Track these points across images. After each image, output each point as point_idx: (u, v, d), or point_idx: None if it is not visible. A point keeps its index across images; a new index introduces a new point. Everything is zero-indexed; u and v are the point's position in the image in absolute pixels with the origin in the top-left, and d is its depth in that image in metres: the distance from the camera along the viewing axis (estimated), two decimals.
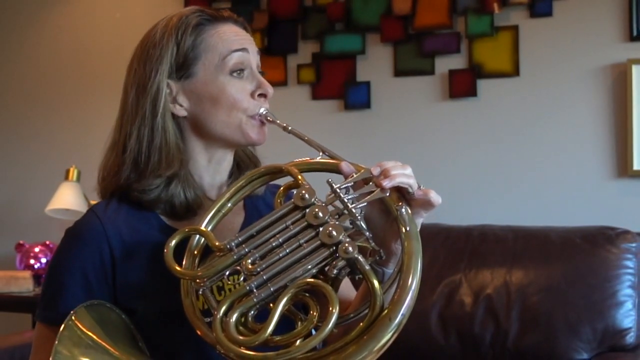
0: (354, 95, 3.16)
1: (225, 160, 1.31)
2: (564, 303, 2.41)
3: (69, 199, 3.26)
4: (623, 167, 2.81)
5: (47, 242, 3.31)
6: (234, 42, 1.26)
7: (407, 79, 3.10)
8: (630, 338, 2.39)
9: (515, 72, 2.95)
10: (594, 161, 2.86)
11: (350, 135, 3.15)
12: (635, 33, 2.79)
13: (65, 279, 1.20)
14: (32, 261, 3.25)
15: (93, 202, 3.27)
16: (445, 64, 3.04)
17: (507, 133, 2.97)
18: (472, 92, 2.99)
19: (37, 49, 3.73)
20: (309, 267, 1.06)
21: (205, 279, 1.10)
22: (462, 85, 3.00)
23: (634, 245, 2.47)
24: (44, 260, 3.26)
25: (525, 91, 2.95)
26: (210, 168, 1.29)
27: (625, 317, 2.40)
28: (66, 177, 3.31)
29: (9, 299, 3.10)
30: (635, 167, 2.77)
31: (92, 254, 1.20)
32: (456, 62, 3.03)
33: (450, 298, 2.52)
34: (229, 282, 1.20)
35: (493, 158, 2.99)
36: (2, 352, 2.33)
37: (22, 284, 3.13)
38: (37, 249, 3.27)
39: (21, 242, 3.31)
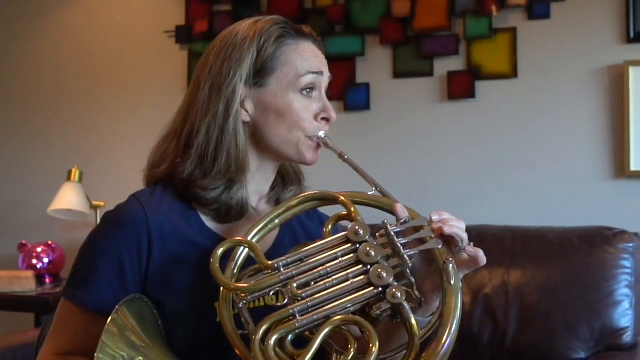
0: (353, 97, 3.18)
1: (273, 171, 1.33)
2: (561, 303, 2.42)
3: (71, 200, 3.27)
4: (620, 168, 2.82)
5: (50, 242, 3.32)
6: (313, 64, 1.27)
7: (406, 81, 3.12)
8: (627, 337, 2.41)
9: (513, 73, 2.97)
10: (592, 162, 2.87)
11: (350, 136, 3.15)
12: (632, 35, 2.80)
13: (100, 263, 1.20)
14: (34, 261, 3.25)
15: (95, 203, 3.33)
16: (444, 65, 3.05)
17: (505, 134, 2.99)
18: (470, 93, 3.00)
19: (40, 51, 3.74)
20: (351, 304, 1.07)
21: (247, 294, 1.11)
22: (461, 87, 3.02)
23: (631, 245, 2.48)
24: (46, 260, 3.27)
25: (524, 93, 2.96)
26: (257, 176, 1.30)
27: (623, 317, 2.41)
28: (68, 178, 3.32)
29: (11, 299, 3.10)
30: (633, 167, 2.78)
31: (130, 242, 1.20)
32: (455, 63, 3.04)
33: None
34: None
35: (491, 159, 3.00)
36: (5, 352, 2.32)
37: (25, 283, 3.13)
38: (39, 249, 3.28)
39: (24, 242, 3.32)
